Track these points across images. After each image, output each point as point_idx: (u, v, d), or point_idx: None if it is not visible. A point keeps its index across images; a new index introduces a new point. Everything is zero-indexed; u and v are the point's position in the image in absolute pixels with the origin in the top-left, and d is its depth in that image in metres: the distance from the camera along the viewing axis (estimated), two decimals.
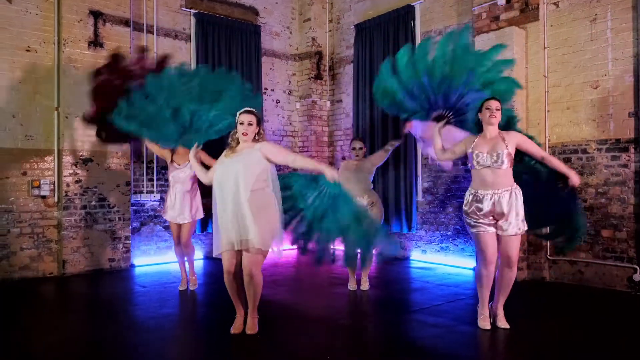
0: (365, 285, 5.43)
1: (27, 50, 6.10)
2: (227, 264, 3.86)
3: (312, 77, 8.39)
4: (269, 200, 3.86)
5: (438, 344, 3.78)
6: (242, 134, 3.82)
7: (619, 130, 5.36)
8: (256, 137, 3.88)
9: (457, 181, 6.78)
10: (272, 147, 3.89)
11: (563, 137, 5.76)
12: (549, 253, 5.84)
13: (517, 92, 5.83)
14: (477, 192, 3.92)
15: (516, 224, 3.88)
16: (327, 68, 8.59)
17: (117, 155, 6.59)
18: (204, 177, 4.04)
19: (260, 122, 3.92)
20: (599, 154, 5.51)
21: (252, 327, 3.92)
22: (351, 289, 5.41)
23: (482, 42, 6.09)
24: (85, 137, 6.36)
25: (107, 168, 6.52)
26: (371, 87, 7.56)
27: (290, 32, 8.62)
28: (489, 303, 4.12)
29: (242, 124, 3.83)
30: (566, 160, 5.74)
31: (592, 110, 5.56)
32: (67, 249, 6.22)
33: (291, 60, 8.63)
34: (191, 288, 5.45)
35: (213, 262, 7.24)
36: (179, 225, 5.35)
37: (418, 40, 7.13)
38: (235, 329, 3.93)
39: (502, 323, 4.04)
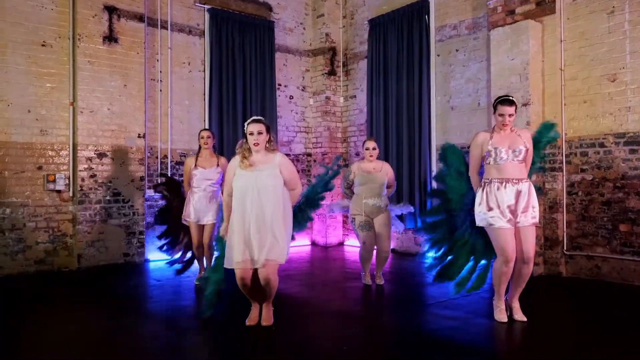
0: (380, 280, 5.41)
1: (43, 45, 6.14)
2: (241, 274, 3.77)
3: (325, 73, 8.39)
4: (288, 212, 3.88)
5: (455, 336, 3.75)
6: (254, 144, 3.76)
7: (638, 123, 5.29)
8: (267, 146, 3.84)
9: None
10: (288, 168, 3.87)
11: (580, 131, 5.69)
12: (565, 248, 5.78)
13: (534, 86, 5.84)
14: (495, 180, 3.85)
15: (533, 214, 3.87)
16: (340, 64, 8.58)
17: (132, 151, 6.62)
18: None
19: (269, 130, 3.88)
20: (617, 148, 5.45)
21: (267, 319, 3.91)
22: (366, 284, 5.39)
23: (498, 36, 6.05)
24: (100, 132, 6.39)
25: (121, 163, 6.54)
26: (385, 82, 7.60)
27: (304, 28, 8.61)
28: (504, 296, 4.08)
29: (252, 134, 3.77)
30: (583, 155, 5.69)
31: (609, 104, 5.49)
32: (82, 243, 6.25)
33: (305, 56, 8.62)
34: None
35: None
36: (201, 227, 5.36)
37: (433, 35, 7.10)
38: (250, 320, 3.91)
39: (519, 316, 4.00)
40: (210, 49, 7.35)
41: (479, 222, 3.92)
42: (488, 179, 3.90)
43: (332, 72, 8.42)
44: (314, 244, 8.53)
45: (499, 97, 3.96)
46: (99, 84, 6.38)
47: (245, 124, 3.85)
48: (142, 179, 6.70)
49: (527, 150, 3.86)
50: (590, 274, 5.61)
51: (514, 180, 3.82)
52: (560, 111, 5.80)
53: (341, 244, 8.51)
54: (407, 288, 5.46)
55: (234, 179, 3.83)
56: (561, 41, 5.79)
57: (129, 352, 3.43)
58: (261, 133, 3.78)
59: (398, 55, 7.42)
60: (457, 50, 6.89)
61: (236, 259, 3.70)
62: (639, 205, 5.28)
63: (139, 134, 6.68)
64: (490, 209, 3.83)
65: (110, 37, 6.44)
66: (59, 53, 6.25)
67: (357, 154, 8.25)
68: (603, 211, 5.55)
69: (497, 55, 6.05)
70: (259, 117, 3.89)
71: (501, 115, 3.88)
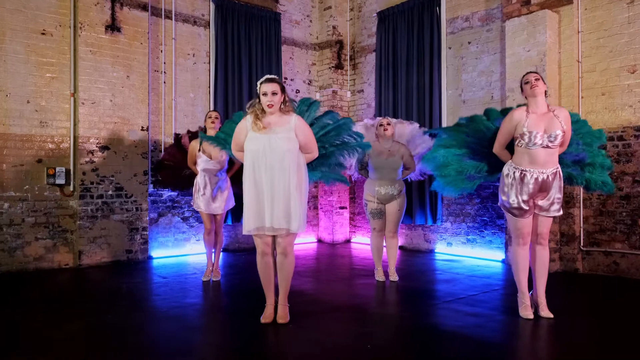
0: (394, 276, 5.24)
1: (43, 34, 5.92)
2: (262, 245, 3.65)
3: (332, 67, 8.21)
4: (304, 178, 3.69)
5: (481, 333, 3.59)
6: (268, 105, 3.53)
7: None
8: (281, 107, 3.60)
9: None
10: (305, 132, 3.63)
11: (598, 123, 5.55)
12: (582, 244, 5.64)
13: (550, 78, 5.69)
14: (524, 170, 3.69)
15: (557, 205, 3.75)
16: (347, 57, 8.40)
17: (135, 144, 6.40)
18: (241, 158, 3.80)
19: (284, 90, 3.64)
20: (636, 141, 5.32)
21: (283, 316, 3.71)
22: (379, 280, 5.22)
23: (513, 27, 5.91)
24: (102, 124, 6.18)
25: (124, 157, 6.33)
26: (395, 76, 7.44)
27: (311, 21, 8.43)
28: (528, 292, 3.92)
29: (265, 94, 3.53)
30: (600, 148, 5.54)
31: (629, 96, 5.36)
32: (83, 239, 6.03)
33: (311, 50, 8.44)
34: (214, 279, 5.27)
35: (232, 254, 7.05)
36: (212, 215, 5.22)
37: (444, 27, 6.95)
38: (265, 318, 3.71)
39: (545, 312, 3.83)
40: (215, 40, 7.15)
41: (500, 204, 3.85)
42: (517, 166, 3.73)
43: (339, 66, 8.24)
44: (320, 241, 8.35)
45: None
46: (100, 74, 6.16)
47: (258, 83, 3.59)
48: (145, 173, 6.49)
49: (563, 135, 3.66)
50: (607, 271, 5.47)
51: (540, 171, 3.67)
52: (578, 104, 5.67)
53: (348, 241, 8.34)
54: (422, 284, 5.29)
55: (245, 140, 3.60)
56: (578, 32, 5.66)
57: (140, 352, 3.22)
58: (275, 93, 3.54)
59: (408, 48, 7.26)
60: (469, 43, 6.74)
61: (248, 226, 3.58)
62: None
63: (142, 127, 6.47)
64: (513, 199, 3.71)
65: (113, 26, 6.23)
66: (59, 42, 6.03)
67: None
68: (622, 206, 5.41)
69: (513, 47, 5.90)
70: (273, 76, 3.64)
71: (526, 82, 3.75)
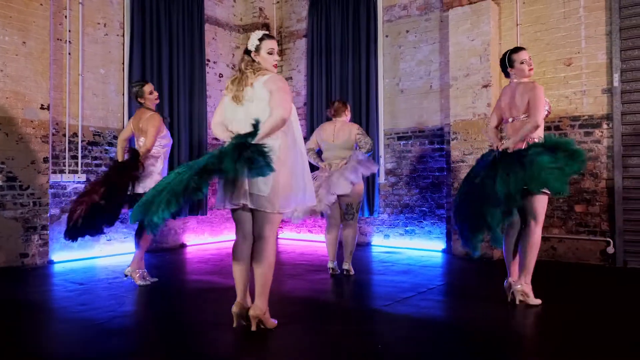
0: (348, 268, 4.89)
1: None
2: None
3: None
4: None
5: (482, 322, 3.37)
6: (274, 65, 3.05)
7: (592, 106, 5.46)
8: None
9: (423, 161, 6.50)
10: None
11: None
12: None
13: (492, 68, 5.78)
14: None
15: None
16: None
17: (33, 125, 5.26)
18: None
19: None
20: (572, 131, 5.58)
21: (270, 322, 3.11)
22: (334, 272, 4.83)
23: (457, 16, 5.91)
24: None
25: (18, 139, 5.16)
26: (328, 63, 7.09)
27: (235, 0, 7.75)
28: (504, 279, 3.85)
29: (271, 53, 3.00)
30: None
31: (565, 88, 5.62)
32: None
33: (235, 32, 7.75)
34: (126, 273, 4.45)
35: (154, 255, 6.11)
36: None
37: (380, 15, 6.78)
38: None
39: (532, 299, 3.71)
40: (130, 11, 6.18)
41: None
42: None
43: None
44: None
45: (508, 51, 3.80)
46: None
47: (257, 39, 2.98)
48: (45, 160, 5.35)
49: None
50: (546, 255, 5.65)
51: None
52: None
53: None
54: (380, 276, 4.96)
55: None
56: (517, 25, 5.82)
57: None
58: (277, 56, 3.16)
59: (342, 35, 6.97)
60: (407, 32, 6.64)
61: (310, 200, 3.12)
62: (594, 186, 5.45)
63: (41, 105, 5.34)
64: None
65: None
66: None
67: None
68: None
69: (456, 36, 5.90)
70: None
71: (522, 62, 3.70)
